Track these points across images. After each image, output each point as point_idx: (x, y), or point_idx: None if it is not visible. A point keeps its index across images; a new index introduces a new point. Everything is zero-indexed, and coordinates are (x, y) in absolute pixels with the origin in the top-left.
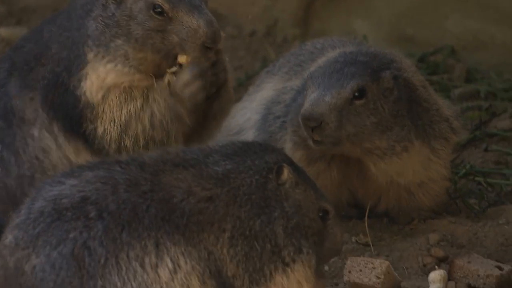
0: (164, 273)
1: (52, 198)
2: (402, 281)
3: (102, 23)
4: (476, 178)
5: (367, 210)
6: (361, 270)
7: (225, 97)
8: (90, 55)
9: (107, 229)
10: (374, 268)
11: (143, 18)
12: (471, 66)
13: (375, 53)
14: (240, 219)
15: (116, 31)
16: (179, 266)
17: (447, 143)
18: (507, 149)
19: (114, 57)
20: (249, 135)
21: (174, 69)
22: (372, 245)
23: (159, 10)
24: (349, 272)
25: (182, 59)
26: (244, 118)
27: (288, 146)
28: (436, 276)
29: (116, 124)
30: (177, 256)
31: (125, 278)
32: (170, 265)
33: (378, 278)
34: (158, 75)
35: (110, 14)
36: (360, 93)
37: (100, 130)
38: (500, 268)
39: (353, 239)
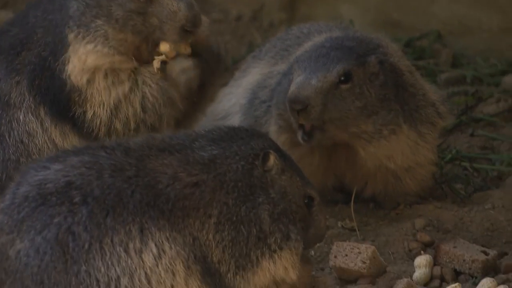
0: (148, 258)
1: (36, 183)
2: (388, 266)
3: (83, 3)
4: (462, 163)
5: (353, 195)
6: (346, 255)
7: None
8: (71, 36)
9: (91, 214)
10: (360, 253)
11: (124, 0)
12: (457, 51)
13: (361, 38)
14: (226, 205)
15: (96, 12)
16: (163, 251)
17: (433, 127)
18: (493, 134)
19: (94, 38)
20: (235, 120)
21: (162, 57)
22: (358, 230)
23: None
24: (335, 257)
25: (163, 47)
26: (230, 103)
27: (272, 129)
28: (421, 261)
29: (105, 107)
30: (162, 242)
31: (109, 263)
32: (154, 250)
33: (364, 263)
34: (139, 58)
35: None
36: (346, 77)
37: (89, 114)
38: (485, 253)
39: (339, 224)
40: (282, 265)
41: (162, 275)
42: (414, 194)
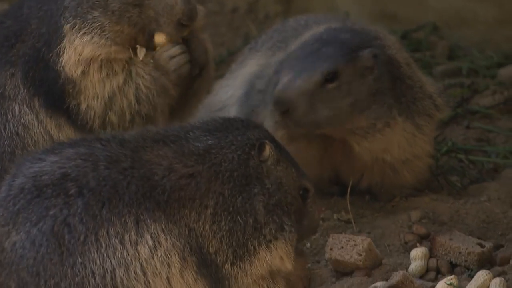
0: (144, 250)
1: (32, 175)
2: (384, 258)
3: None
4: (458, 155)
5: (349, 187)
6: (342, 247)
7: (206, 76)
8: (67, 27)
9: (87, 206)
10: (355, 245)
11: None
12: (453, 43)
13: (358, 30)
14: (222, 195)
15: (93, 2)
16: (159, 243)
17: (431, 119)
18: (489, 126)
19: (90, 29)
20: (232, 112)
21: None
22: (354, 222)
23: None
24: (331, 249)
25: (159, 38)
26: (227, 95)
27: (269, 124)
28: (417, 253)
29: (99, 100)
30: (157, 233)
31: (105, 255)
32: (150, 242)
33: (360, 255)
34: (135, 48)
35: None
36: (332, 76)
37: (83, 106)
38: (481, 245)
39: (335, 216)
40: (278, 254)
41: (158, 266)
42: (410, 187)
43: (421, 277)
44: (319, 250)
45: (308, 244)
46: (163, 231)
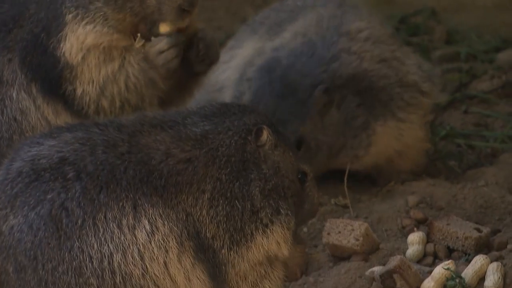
0: (141, 235)
1: (30, 159)
2: (381, 243)
3: None
4: (456, 140)
5: (347, 173)
6: (340, 232)
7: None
8: (69, 17)
9: (85, 190)
10: (353, 230)
11: None
12: (451, 28)
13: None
14: (220, 180)
15: None
16: (156, 228)
17: (417, 107)
18: (487, 111)
19: (93, 19)
20: (228, 94)
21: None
22: (351, 207)
23: None
24: (328, 234)
25: (163, 28)
26: (224, 76)
27: None
28: (415, 238)
29: (94, 85)
30: (155, 218)
31: (102, 239)
32: (147, 227)
33: (357, 240)
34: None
35: None
36: (299, 143)
37: (79, 91)
38: (479, 230)
39: (332, 201)
40: (275, 239)
41: (155, 251)
42: (407, 172)
43: (419, 261)
44: (316, 234)
45: (305, 229)
46: (161, 216)
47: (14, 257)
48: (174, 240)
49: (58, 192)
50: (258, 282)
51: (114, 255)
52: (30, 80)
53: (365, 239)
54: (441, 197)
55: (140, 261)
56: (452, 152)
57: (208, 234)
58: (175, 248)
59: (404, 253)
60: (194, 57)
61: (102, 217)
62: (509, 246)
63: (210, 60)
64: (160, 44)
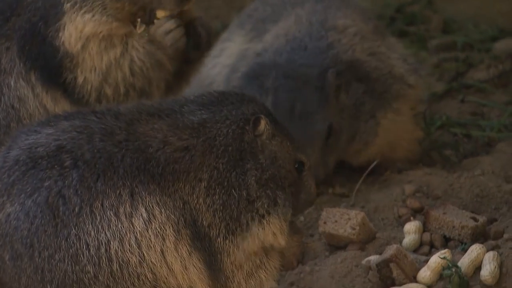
0: (138, 223)
1: (27, 147)
2: (378, 232)
3: None
4: (452, 129)
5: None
6: (336, 221)
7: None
8: (67, 6)
9: (82, 178)
10: (349, 219)
11: None
12: (448, 17)
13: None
14: (217, 169)
15: None
16: (153, 215)
17: (405, 99)
18: (484, 100)
19: (91, 8)
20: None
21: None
22: (348, 196)
23: None
24: (324, 223)
25: (160, 14)
26: (215, 71)
27: None
28: (411, 227)
29: (96, 72)
30: (152, 206)
31: (99, 227)
32: (144, 214)
33: (353, 229)
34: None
35: None
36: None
37: (80, 79)
38: (475, 219)
39: (329, 190)
40: (271, 230)
41: (152, 239)
42: (402, 160)
43: (415, 251)
44: (312, 223)
45: (302, 218)
46: (158, 204)
47: (11, 245)
48: (171, 228)
49: (55, 180)
50: (254, 272)
51: (111, 242)
52: (29, 68)
53: (362, 228)
54: (438, 186)
55: (137, 249)
56: (448, 141)
57: (204, 223)
58: (172, 236)
59: (400, 242)
60: (191, 44)
61: (99, 205)
62: (505, 236)
63: (208, 47)
64: (167, 24)
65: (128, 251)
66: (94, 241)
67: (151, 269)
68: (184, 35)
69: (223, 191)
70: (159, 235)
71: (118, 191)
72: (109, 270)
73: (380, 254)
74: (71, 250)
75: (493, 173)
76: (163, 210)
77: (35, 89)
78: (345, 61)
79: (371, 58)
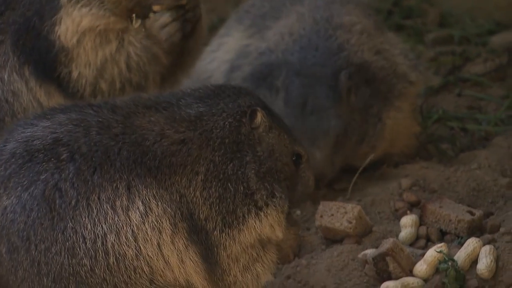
0: (135, 216)
1: (24, 140)
2: (374, 225)
3: None
4: (449, 123)
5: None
6: (332, 215)
7: (199, 33)
8: (64, 0)
9: (78, 171)
10: (345, 212)
11: None
12: (445, 11)
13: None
14: (213, 162)
15: None
16: (150, 209)
17: (406, 97)
18: (480, 94)
19: (89, 2)
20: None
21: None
22: (345, 190)
23: None
24: (321, 216)
25: (156, 8)
26: (213, 66)
27: None
28: (407, 221)
29: (91, 67)
30: (149, 199)
31: (96, 220)
32: (141, 208)
33: (350, 222)
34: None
35: None
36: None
37: (75, 74)
38: (471, 213)
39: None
40: (268, 223)
41: (149, 232)
42: (399, 154)
43: (411, 244)
44: (309, 217)
45: (299, 212)
46: (154, 197)
47: (7, 238)
48: (167, 221)
49: (52, 173)
50: (250, 265)
51: (107, 235)
52: (22, 63)
53: (358, 221)
54: (434, 180)
55: (134, 242)
56: (445, 135)
57: (201, 216)
58: (169, 229)
59: (396, 236)
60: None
61: (95, 198)
62: (501, 229)
63: (192, 19)
64: (162, 18)
65: (124, 244)
66: (91, 234)
67: (148, 262)
68: (180, 29)
69: (219, 184)
70: (156, 228)
71: (114, 184)
72: (105, 263)
73: (377, 247)
74: (67, 243)
75: (490, 167)
76: (159, 203)
77: (28, 83)
78: (355, 64)
79: (377, 58)
